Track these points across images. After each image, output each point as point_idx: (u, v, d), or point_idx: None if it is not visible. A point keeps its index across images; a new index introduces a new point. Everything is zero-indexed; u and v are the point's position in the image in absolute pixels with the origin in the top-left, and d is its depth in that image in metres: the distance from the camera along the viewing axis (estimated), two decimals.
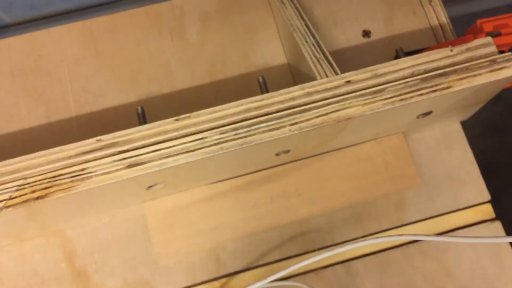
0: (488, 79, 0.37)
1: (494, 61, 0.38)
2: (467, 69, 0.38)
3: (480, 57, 0.38)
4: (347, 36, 0.50)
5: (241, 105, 0.38)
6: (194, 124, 0.37)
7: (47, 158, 0.36)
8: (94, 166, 0.36)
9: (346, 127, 0.39)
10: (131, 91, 0.48)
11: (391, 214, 0.45)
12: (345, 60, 0.48)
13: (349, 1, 0.51)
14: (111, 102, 0.47)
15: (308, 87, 0.39)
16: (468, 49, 0.38)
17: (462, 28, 0.47)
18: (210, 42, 0.49)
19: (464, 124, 0.48)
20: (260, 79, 0.45)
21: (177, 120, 0.37)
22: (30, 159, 0.36)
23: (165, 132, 0.37)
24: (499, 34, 0.40)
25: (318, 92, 0.39)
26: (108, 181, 0.36)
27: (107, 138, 0.37)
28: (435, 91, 0.37)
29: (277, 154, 0.41)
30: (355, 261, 0.44)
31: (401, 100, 0.37)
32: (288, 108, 0.38)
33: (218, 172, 0.42)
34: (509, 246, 0.45)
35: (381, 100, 0.37)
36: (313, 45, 0.42)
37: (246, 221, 0.43)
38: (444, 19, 0.49)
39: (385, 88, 0.37)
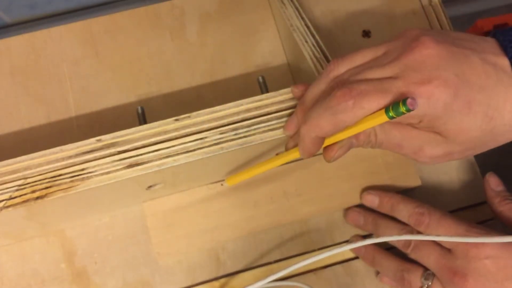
0: None
1: None
2: None
3: None
4: (347, 36, 0.50)
5: (241, 105, 0.38)
6: (194, 124, 0.37)
7: (47, 158, 0.36)
8: (94, 166, 0.36)
9: None
10: (131, 91, 0.48)
11: None
12: None
13: (349, 1, 0.51)
14: (111, 102, 0.47)
15: None
16: None
17: (462, 28, 0.47)
18: (210, 42, 0.49)
19: None
20: (260, 79, 0.45)
21: (177, 120, 0.37)
22: (30, 159, 0.36)
23: (165, 132, 0.37)
24: None
25: None
26: (108, 181, 0.36)
27: (107, 138, 0.37)
28: None
29: (277, 154, 0.41)
30: (355, 261, 0.44)
31: None
32: (288, 108, 0.38)
33: (218, 172, 0.42)
34: None
35: None
36: (313, 45, 0.42)
37: (246, 221, 0.43)
38: (444, 19, 0.49)
39: None
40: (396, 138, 0.34)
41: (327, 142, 0.34)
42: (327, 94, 0.33)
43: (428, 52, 0.31)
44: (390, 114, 0.29)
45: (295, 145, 0.36)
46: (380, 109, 0.30)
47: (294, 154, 0.36)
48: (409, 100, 0.29)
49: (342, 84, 0.33)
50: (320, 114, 0.32)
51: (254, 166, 0.38)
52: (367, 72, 0.32)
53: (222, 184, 0.43)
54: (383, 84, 0.31)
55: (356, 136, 0.34)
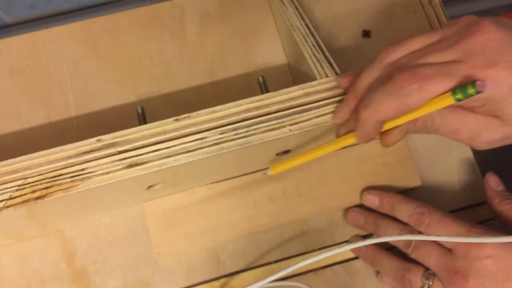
0: None
1: None
2: None
3: None
4: (347, 36, 0.50)
5: (241, 105, 0.38)
6: (194, 124, 0.37)
7: (47, 158, 0.36)
8: (94, 166, 0.36)
9: None
10: (131, 91, 0.48)
11: None
12: (345, 60, 0.48)
13: (349, 1, 0.51)
14: (111, 102, 0.47)
15: (308, 87, 0.39)
16: None
17: None
18: (210, 42, 0.49)
19: None
20: (260, 79, 0.45)
21: (177, 120, 0.37)
22: (30, 159, 0.36)
23: (165, 132, 0.37)
24: None
25: (318, 92, 0.39)
26: (108, 181, 0.36)
27: (107, 138, 0.37)
28: None
29: (277, 154, 0.41)
30: (355, 261, 0.44)
31: None
32: (288, 108, 0.38)
33: (218, 172, 0.42)
34: None
35: None
36: (313, 45, 0.42)
37: (246, 221, 0.43)
38: (444, 19, 0.49)
39: None
40: (453, 123, 0.34)
41: (385, 127, 0.35)
42: (383, 80, 0.33)
43: (490, 36, 0.31)
44: (458, 97, 0.30)
45: (347, 132, 0.37)
46: (445, 93, 0.31)
47: (348, 140, 0.37)
48: (479, 82, 0.29)
49: (402, 68, 0.33)
50: (383, 98, 0.32)
51: (302, 153, 0.38)
52: (427, 57, 0.33)
53: (264, 173, 0.41)
54: (447, 68, 0.31)
55: (413, 121, 0.34)
